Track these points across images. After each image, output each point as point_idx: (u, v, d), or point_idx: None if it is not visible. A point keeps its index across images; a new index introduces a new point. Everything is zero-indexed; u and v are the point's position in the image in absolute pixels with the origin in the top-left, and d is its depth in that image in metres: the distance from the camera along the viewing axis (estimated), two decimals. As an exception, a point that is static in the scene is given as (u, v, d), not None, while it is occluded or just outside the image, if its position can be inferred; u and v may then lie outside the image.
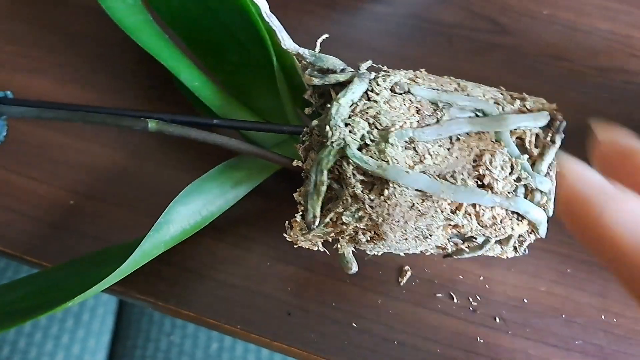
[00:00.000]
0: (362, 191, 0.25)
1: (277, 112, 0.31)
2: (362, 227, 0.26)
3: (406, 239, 0.26)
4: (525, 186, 0.25)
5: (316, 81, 0.27)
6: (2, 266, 0.54)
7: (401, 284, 0.30)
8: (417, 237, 0.26)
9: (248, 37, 0.31)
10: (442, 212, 0.25)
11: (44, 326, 0.52)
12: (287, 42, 0.26)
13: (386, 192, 0.25)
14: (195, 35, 0.33)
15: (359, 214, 0.25)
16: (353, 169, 0.25)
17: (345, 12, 0.39)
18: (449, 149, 0.24)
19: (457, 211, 0.25)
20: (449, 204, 0.25)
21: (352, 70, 0.27)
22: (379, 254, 0.28)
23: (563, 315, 0.29)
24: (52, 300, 0.25)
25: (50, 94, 0.35)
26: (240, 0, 0.29)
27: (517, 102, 0.26)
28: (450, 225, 0.26)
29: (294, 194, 0.26)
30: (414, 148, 0.24)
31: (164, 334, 0.52)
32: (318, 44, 0.27)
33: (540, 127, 0.26)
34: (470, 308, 0.29)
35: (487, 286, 0.30)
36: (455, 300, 0.29)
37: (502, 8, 0.39)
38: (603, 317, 0.29)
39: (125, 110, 0.28)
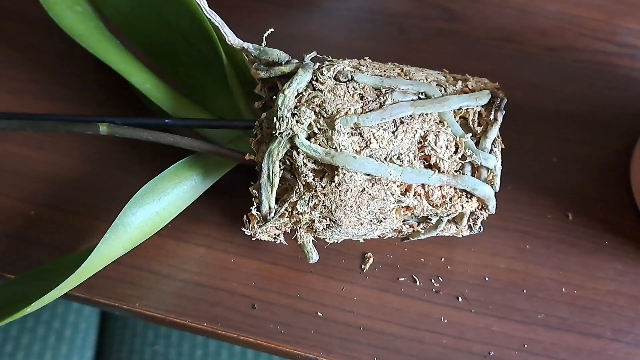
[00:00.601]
0: (313, 179, 0.25)
1: (231, 110, 0.32)
2: (317, 215, 0.26)
3: (361, 224, 0.26)
4: (471, 164, 0.26)
5: (262, 74, 0.27)
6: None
7: (364, 270, 0.30)
8: (371, 221, 0.26)
9: (197, 37, 0.31)
10: (392, 194, 0.25)
11: (26, 345, 0.51)
12: (231, 38, 0.27)
13: (336, 178, 0.25)
14: (147, 39, 0.33)
15: (313, 202, 0.26)
16: (303, 158, 0.25)
17: (297, 9, 0.39)
18: (393, 132, 0.25)
19: (407, 192, 0.25)
20: (398, 186, 0.25)
21: (297, 61, 0.27)
22: (339, 241, 0.29)
23: (524, 291, 0.30)
24: (14, 311, 0.25)
25: (5, 106, 0.35)
26: (186, 1, 0.30)
27: (460, 83, 0.27)
28: (402, 207, 0.26)
29: (249, 188, 0.27)
30: (360, 133, 0.25)
31: (148, 345, 0.52)
32: (264, 38, 0.27)
33: (482, 106, 0.26)
34: (433, 289, 0.30)
35: (448, 267, 0.30)
36: (418, 283, 0.30)
37: (452, -5, 0.40)
38: (563, 289, 0.30)
39: (77, 115, 0.28)
